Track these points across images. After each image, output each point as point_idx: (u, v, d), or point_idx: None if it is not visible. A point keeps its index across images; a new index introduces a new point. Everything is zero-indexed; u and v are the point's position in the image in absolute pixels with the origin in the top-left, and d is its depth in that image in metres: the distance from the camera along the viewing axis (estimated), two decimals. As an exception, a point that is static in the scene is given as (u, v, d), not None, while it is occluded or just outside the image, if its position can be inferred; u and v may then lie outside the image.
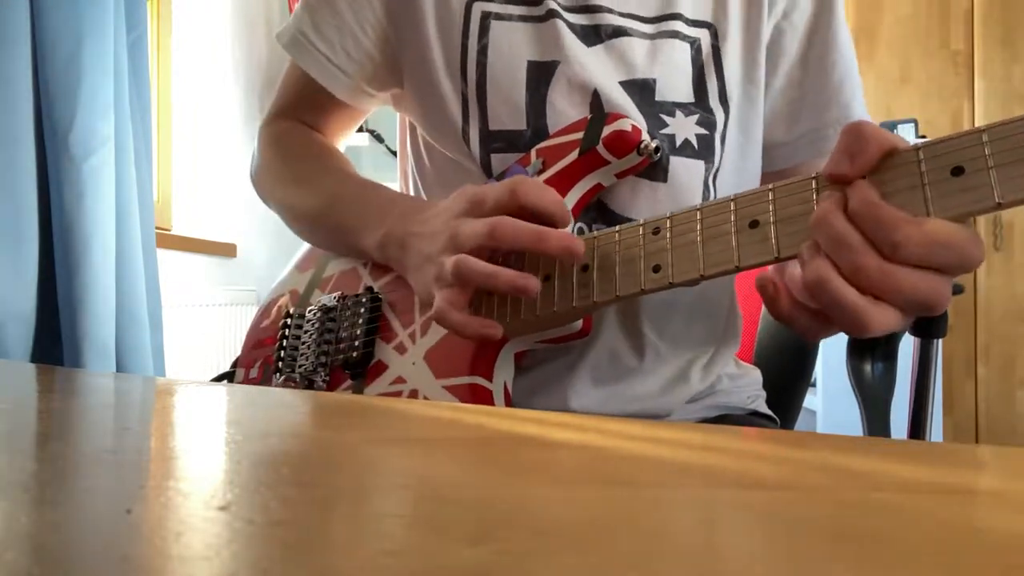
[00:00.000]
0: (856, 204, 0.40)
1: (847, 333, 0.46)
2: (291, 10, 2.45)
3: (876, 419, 0.77)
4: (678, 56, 0.63)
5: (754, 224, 0.45)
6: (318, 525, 0.18)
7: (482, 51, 0.63)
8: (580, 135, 0.58)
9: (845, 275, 0.40)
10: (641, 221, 0.51)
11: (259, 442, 0.29)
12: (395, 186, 0.75)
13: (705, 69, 0.64)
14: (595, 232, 0.53)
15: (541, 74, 0.62)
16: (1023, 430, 2.53)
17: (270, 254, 2.39)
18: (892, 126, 2.53)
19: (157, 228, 1.57)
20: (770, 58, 0.68)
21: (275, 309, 0.73)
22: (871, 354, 0.79)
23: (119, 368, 1.35)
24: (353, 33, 0.68)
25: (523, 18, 0.63)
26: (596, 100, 0.60)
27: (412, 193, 0.74)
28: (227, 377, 0.74)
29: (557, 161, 0.58)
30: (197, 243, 2.05)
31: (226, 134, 2.27)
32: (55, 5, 1.25)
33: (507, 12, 0.63)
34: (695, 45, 0.64)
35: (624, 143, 0.56)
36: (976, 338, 2.60)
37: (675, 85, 0.63)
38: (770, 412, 0.72)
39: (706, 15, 0.66)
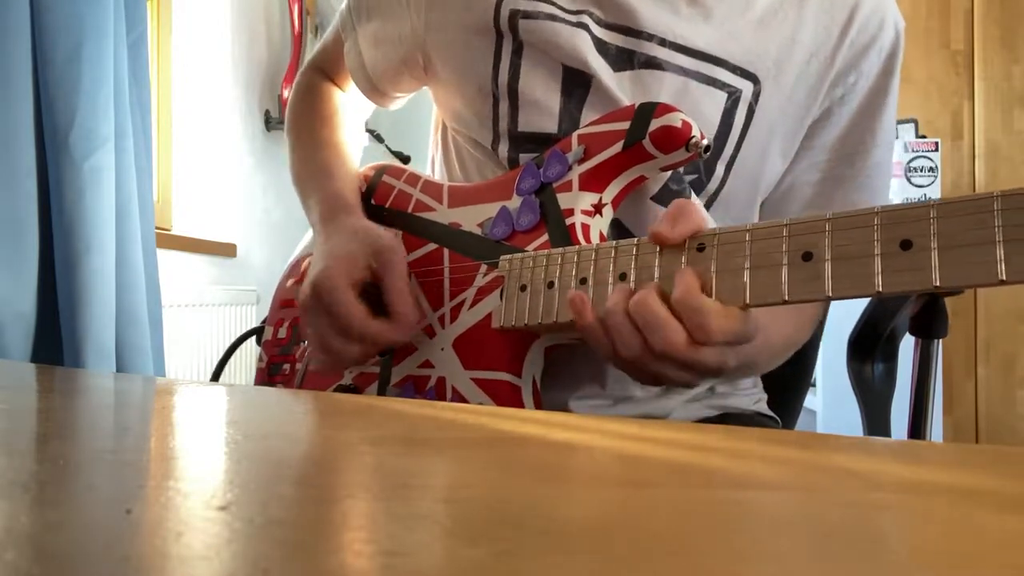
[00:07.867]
0: (680, 293, 0.45)
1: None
2: (291, 10, 2.45)
3: (876, 419, 0.77)
4: (707, 106, 0.60)
5: (807, 257, 0.42)
6: (318, 525, 0.18)
7: (516, 52, 0.61)
8: (626, 125, 0.55)
9: (655, 351, 0.45)
10: None
11: (259, 442, 0.29)
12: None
13: (732, 127, 0.61)
14: (636, 239, 0.50)
15: (576, 84, 0.60)
16: (1023, 430, 2.53)
17: (270, 254, 2.39)
18: (892, 126, 2.53)
19: (157, 228, 1.57)
20: (808, 137, 0.65)
21: (302, 269, 0.73)
22: (871, 354, 0.79)
23: (119, 368, 1.34)
24: (392, 40, 0.69)
25: (552, 16, 0.60)
26: None
27: (437, 177, 0.74)
28: (256, 332, 0.76)
29: (600, 152, 0.56)
30: (197, 243, 2.05)
31: (226, 134, 2.27)
32: (55, 5, 1.25)
33: (535, 10, 0.61)
34: (733, 96, 0.61)
35: (673, 138, 0.54)
36: (976, 338, 2.60)
37: None
38: (772, 413, 0.72)
39: (755, 65, 0.61)
